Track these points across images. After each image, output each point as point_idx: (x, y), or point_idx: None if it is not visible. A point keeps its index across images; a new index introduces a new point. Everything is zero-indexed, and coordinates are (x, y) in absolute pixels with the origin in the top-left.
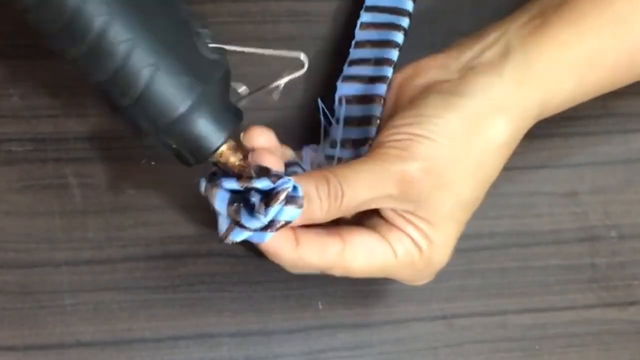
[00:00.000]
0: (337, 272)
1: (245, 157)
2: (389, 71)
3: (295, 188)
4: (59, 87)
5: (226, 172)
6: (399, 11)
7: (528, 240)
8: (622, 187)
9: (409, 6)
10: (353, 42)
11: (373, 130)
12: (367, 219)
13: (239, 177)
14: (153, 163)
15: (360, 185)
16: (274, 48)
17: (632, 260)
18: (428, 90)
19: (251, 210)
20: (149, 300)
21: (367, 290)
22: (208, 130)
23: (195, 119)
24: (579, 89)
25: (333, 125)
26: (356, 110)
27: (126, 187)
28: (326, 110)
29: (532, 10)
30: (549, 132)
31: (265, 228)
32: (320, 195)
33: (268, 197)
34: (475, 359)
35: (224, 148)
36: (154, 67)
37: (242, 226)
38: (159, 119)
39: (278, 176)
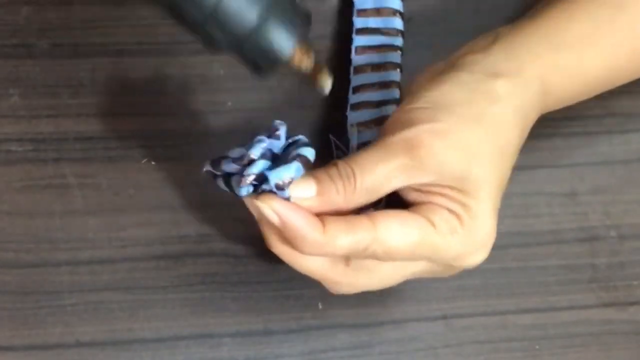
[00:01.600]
0: (377, 252)
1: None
2: (396, 93)
3: (297, 137)
4: (59, 87)
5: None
6: (390, 31)
7: (528, 240)
8: (622, 187)
9: (399, 24)
10: (352, 68)
11: None
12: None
13: (309, 82)
14: (153, 163)
15: (369, 161)
16: None
17: (632, 260)
18: (418, 83)
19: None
20: (149, 300)
21: (367, 290)
22: (282, 37)
23: (269, 25)
24: (580, 65)
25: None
26: (370, 135)
27: (126, 187)
28: (339, 144)
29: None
30: (549, 132)
31: (280, 159)
32: (332, 176)
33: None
34: (475, 359)
35: (297, 52)
36: None
37: (251, 161)
38: (235, 29)
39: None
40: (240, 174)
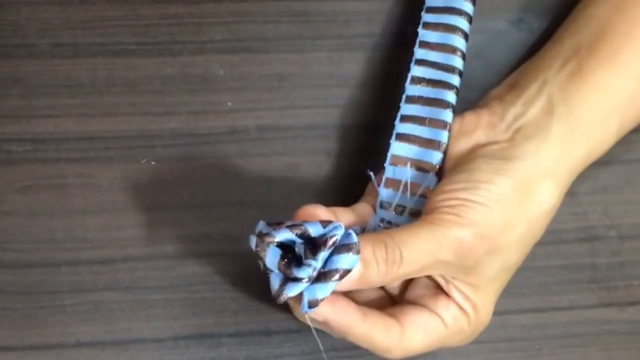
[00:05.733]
0: (396, 353)
1: None
2: (444, 135)
3: (348, 234)
4: (59, 87)
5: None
6: (448, 68)
7: None
8: (622, 187)
9: (459, 63)
10: (404, 96)
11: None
12: (411, 289)
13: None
14: (153, 163)
15: (419, 250)
16: (274, 48)
17: (632, 260)
18: (477, 153)
19: (300, 261)
20: (149, 300)
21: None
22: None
23: None
24: (620, 130)
25: (381, 186)
26: (411, 177)
27: (126, 187)
28: (374, 181)
29: (565, 50)
30: None
31: (320, 277)
32: (378, 259)
33: (316, 244)
34: (475, 359)
35: None
36: None
37: (295, 279)
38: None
39: (328, 221)
40: (282, 283)
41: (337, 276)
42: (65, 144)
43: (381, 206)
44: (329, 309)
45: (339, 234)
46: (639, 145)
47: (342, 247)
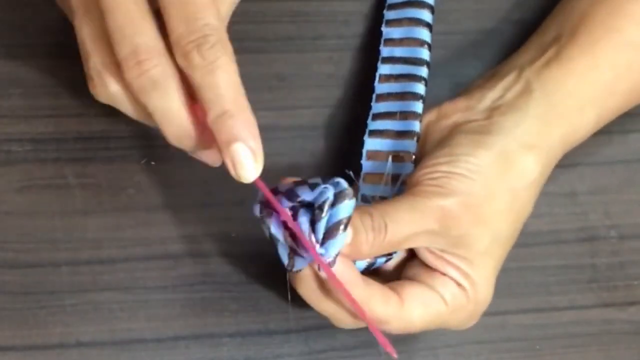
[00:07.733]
0: (394, 326)
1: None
2: (416, 125)
3: (337, 183)
4: (59, 87)
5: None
6: (415, 61)
7: (528, 240)
8: (622, 187)
9: (425, 55)
10: (374, 95)
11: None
12: (406, 269)
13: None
14: (153, 163)
15: (402, 219)
16: (274, 48)
17: (632, 260)
18: (456, 130)
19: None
20: (149, 300)
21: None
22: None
23: None
24: (599, 119)
25: (360, 181)
26: (389, 168)
27: (126, 187)
28: (354, 178)
29: (546, 40)
30: None
31: (327, 235)
32: (365, 227)
33: (320, 207)
34: (475, 359)
35: None
36: None
37: (303, 248)
38: None
39: (314, 184)
40: (294, 252)
41: (342, 227)
42: (65, 144)
43: (363, 200)
44: (340, 262)
45: (330, 196)
46: (639, 145)
47: (338, 196)
